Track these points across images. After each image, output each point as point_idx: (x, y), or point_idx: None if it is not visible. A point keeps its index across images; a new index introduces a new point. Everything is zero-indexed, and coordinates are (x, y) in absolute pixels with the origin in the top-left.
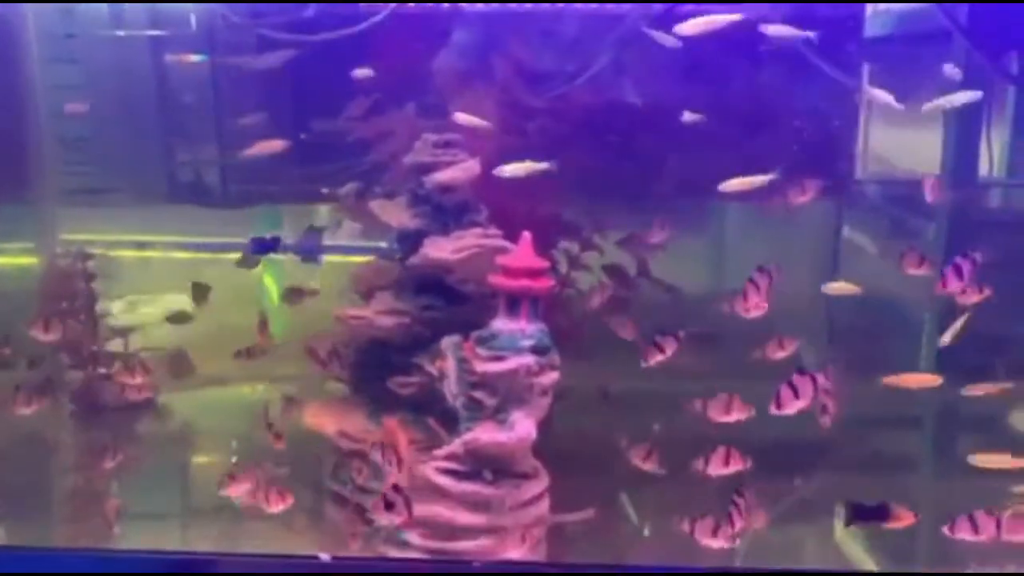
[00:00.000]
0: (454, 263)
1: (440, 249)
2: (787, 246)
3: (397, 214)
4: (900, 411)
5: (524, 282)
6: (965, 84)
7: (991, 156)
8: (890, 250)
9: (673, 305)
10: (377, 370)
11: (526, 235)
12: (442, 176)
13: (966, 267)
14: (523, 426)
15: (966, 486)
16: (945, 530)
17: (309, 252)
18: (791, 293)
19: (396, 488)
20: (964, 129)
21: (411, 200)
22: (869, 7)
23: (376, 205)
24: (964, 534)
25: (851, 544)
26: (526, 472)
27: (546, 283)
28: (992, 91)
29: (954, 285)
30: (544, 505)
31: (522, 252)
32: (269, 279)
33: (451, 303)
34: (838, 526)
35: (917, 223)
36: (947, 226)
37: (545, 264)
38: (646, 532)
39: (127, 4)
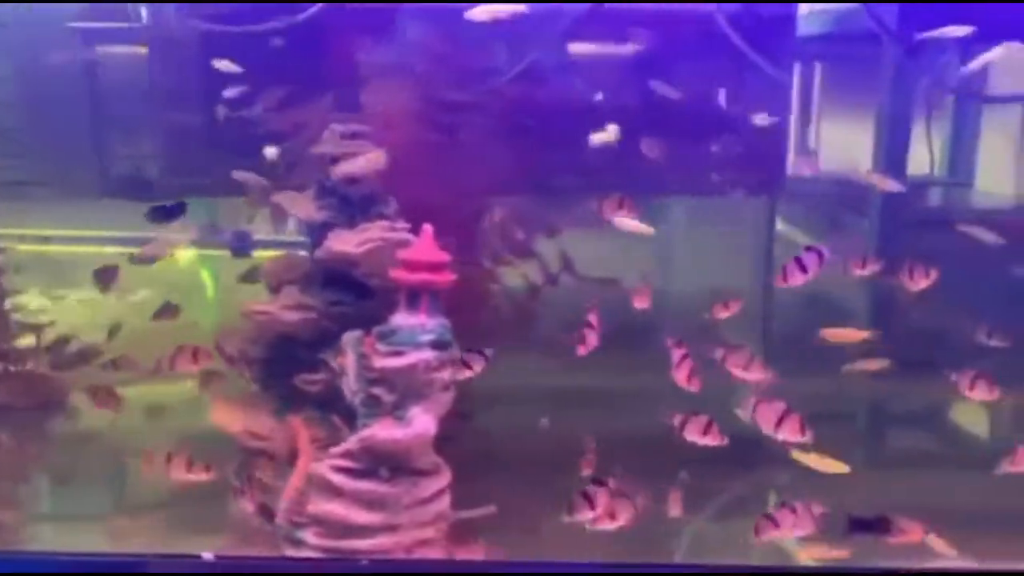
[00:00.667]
0: (357, 256)
1: (344, 242)
2: (724, 242)
3: (303, 206)
4: (835, 406)
5: (424, 276)
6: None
7: (931, 156)
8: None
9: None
10: (285, 367)
11: (427, 228)
12: (345, 167)
13: (810, 261)
14: (421, 422)
15: (898, 479)
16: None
17: (239, 247)
18: (727, 288)
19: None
20: (895, 128)
21: (318, 192)
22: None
23: (282, 197)
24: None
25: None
26: (425, 469)
27: (447, 277)
28: (931, 92)
29: (796, 279)
30: (445, 502)
31: (422, 245)
32: (206, 274)
33: (359, 298)
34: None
35: (853, 221)
36: (878, 224)
37: (446, 258)
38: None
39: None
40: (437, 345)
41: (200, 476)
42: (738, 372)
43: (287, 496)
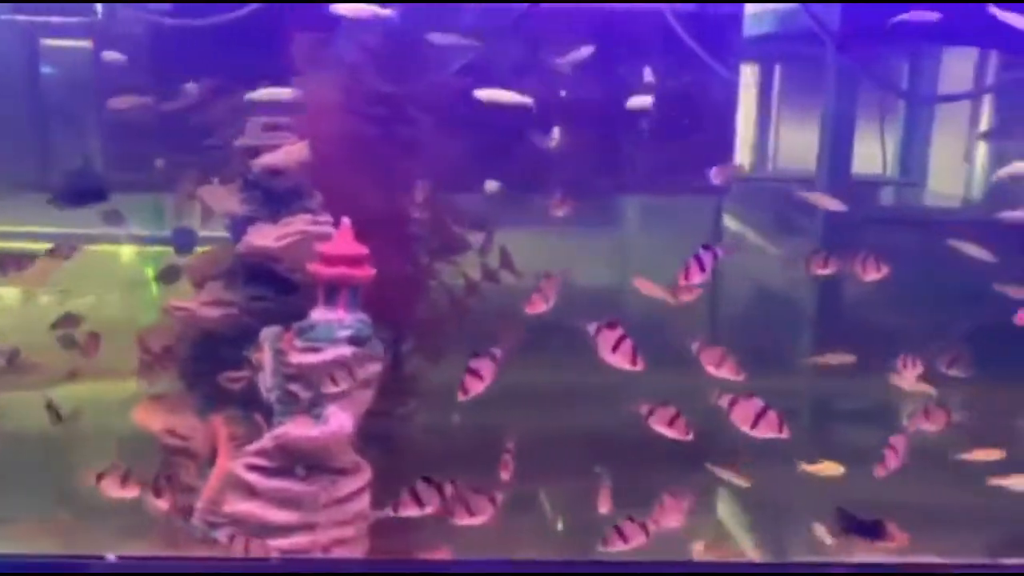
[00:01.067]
0: (277, 250)
1: (264, 236)
2: (672, 239)
3: (225, 200)
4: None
5: (342, 270)
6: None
7: (884, 156)
8: (775, 245)
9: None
10: (208, 364)
11: (345, 221)
12: (266, 159)
13: (707, 259)
14: (337, 420)
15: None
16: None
17: (183, 244)
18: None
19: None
20: (838, 129)
21: (243, 186)
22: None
23: (205, 191)
24: (616, 546)
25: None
26: (344, 467)
27: (366, 271)
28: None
29: (696, 277)
30: (365, 501)
31: (341, 239)
32: (150, 271)
33: (282, 293)
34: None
35: (802, 219)
36: (823, 222)
37: (365, 251)
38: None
39: None
40: (355, 341)
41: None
42: (711, 369)
43: (204, 496)
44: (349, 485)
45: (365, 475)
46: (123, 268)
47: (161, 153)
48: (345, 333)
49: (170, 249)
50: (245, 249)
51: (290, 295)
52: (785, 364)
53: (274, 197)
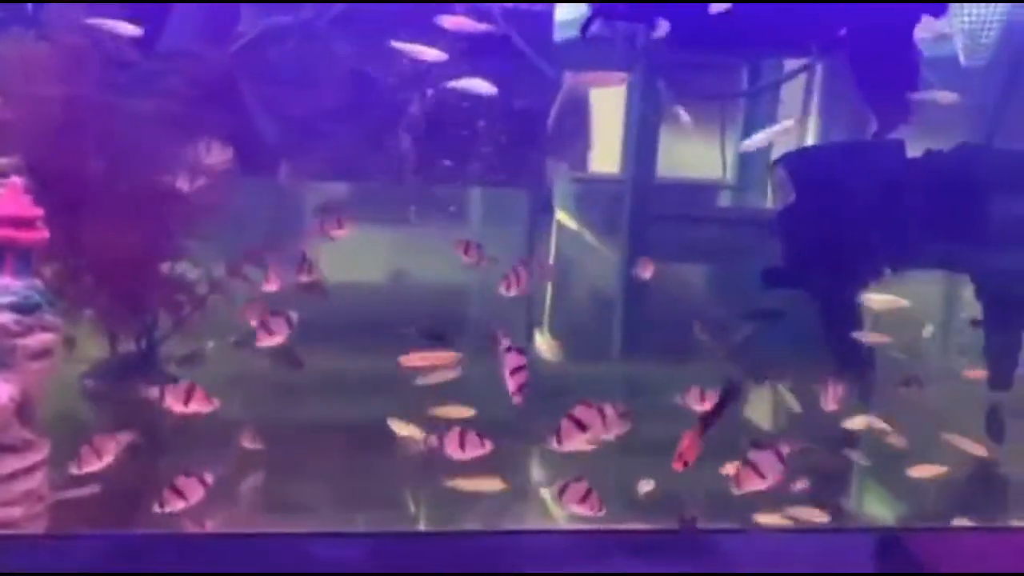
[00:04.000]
0: None
1: None
2: (489, 234)
3: None
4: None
5: (6, 232)
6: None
7: (724, 160)
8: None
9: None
10: None
11: (15, 180)
12: None
13: None
14: None
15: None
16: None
17: None
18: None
19: None
20: (642, 132)
21: None
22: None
23: None
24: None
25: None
26: (9, 444)
27: (36, 235)
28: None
29: None
30: (38, 479)
31: (8, 199)
32: None
33: None
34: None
35: (617, 217)
36: (629, 219)
37: (37, 213)
38: None
39: None
40: (20, 308)
41: None
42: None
43: None
44: (15, 463)
45: (39, 453)
46: None
47: None
48: (8, 300)
49: None
50: None
51: None
52: (602, 352)
53: None
